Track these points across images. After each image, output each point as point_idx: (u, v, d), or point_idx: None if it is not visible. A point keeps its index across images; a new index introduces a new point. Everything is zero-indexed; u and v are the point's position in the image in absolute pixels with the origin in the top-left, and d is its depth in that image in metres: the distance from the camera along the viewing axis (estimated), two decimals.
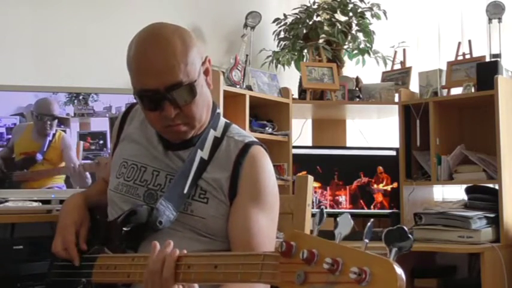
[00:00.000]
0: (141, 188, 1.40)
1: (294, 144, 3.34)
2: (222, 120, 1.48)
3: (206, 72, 1.39)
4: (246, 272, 0.90)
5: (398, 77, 3.52)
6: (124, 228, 1.31)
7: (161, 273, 1.07)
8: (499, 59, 3.04)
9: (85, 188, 1.78)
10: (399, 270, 0.67)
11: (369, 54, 3.57)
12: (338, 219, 0.79)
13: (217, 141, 1.41)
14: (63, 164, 2.38)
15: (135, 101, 1.40)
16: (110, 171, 1.51)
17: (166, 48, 1.29)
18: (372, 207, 3.30)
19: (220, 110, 1.51)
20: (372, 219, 0.79)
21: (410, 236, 0.71)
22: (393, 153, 3.32)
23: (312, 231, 0.88)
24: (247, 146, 1.40)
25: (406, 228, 0.71)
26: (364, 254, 0.69)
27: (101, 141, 2.43)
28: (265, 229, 1.35)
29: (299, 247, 0.78)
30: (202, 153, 1.39)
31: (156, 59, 1.28)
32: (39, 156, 2.35)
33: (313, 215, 0.87)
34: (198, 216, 1.34)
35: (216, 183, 1.36)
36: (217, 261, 0.99)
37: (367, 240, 0.74)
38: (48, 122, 2.36)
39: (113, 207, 1.44)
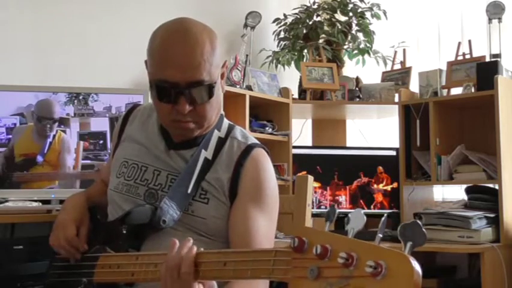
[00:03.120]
0: (142, 187, 1.39)
1: (294, 144, 3.34)
2: (226, 122, 1.48)
3: (222, 76, 1.39)
4: (257, 268, 0.89)
5: (398, 77, 3.52)
6: (124, 226, 1.30)
7: (179, 270, 1.04)
8: (499, 59, 3.04)
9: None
10: (415, 264, 0.67)
11: (369, 54, 3.57)
12: (350, 214, 0.79)
13: (221, 142, 1.41)
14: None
15: (135, 101, 1.40)
16: (110, 172, 1.50)
17: (195, 45, 1.28)
18: (372, 207, 3.29)
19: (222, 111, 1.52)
20: (385, 214, 0.78)
21: (424, 230, 0.71)
22: (393, 153, 3.31)
23: None
24: (249, 148, 1.40)
25: (420, 223, 0.71)
26: (379, 248, 0.69)
27: (101, 141, 2.42)
28: (264, 230, 1.34)
29: (311, 242, 0.77)
30: (207, 154, 1.38)
31: (184, 53, 1.27)
32: (39, 158, 2.35)
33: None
34: (198, 216, 1.34)
35: (218, 183, 1.36)
36: (226, 258, 0.98)
37: (380, 235, 0.74)
38: (48, 125, 2.36)
39: (113, 206, 1.43)
